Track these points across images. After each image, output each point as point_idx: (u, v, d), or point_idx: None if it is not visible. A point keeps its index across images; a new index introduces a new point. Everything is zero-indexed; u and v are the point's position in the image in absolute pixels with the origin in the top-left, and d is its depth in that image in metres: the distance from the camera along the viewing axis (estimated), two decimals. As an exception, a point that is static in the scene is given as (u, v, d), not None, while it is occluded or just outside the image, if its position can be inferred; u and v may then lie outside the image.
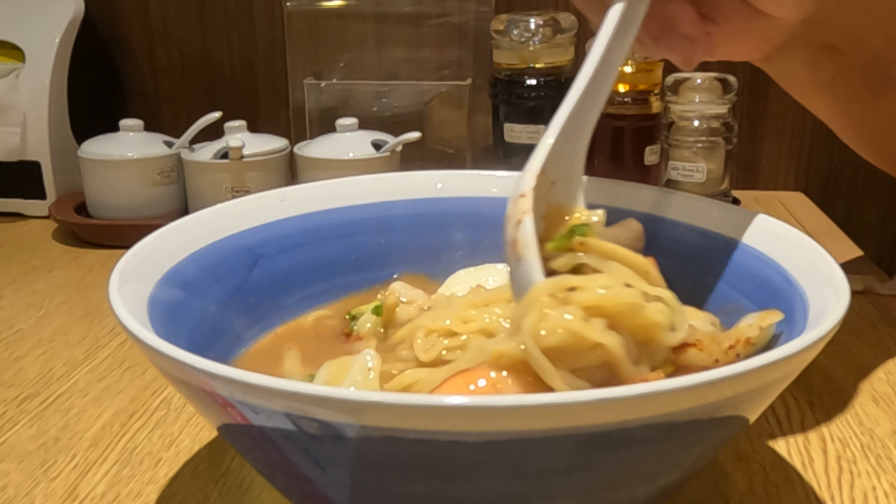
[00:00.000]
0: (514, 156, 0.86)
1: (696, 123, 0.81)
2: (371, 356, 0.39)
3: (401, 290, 0.47)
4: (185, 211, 0.85)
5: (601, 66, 0.41)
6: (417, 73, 0.97)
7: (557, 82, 0.84)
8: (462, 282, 0.49)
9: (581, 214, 0.41)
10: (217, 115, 0.85)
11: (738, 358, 0.38)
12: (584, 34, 0.85)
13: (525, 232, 0.37)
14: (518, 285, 0.37)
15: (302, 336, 0.47)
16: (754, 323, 0.38)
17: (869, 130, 0.63)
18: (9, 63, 0.91)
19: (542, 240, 0.39)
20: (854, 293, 0.61)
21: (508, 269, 0.38)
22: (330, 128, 0.85)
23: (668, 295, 0.36)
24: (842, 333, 0.46)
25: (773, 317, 0.38)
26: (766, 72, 0.58)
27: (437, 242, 0.52)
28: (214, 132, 0.85)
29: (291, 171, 0.85)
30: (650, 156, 0.81)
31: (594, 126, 0.42)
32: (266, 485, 0.43)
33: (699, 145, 0.81)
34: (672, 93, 0.81)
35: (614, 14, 0.41)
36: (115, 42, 1.06)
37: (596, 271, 0.38)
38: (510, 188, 0.39)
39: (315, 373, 0.40)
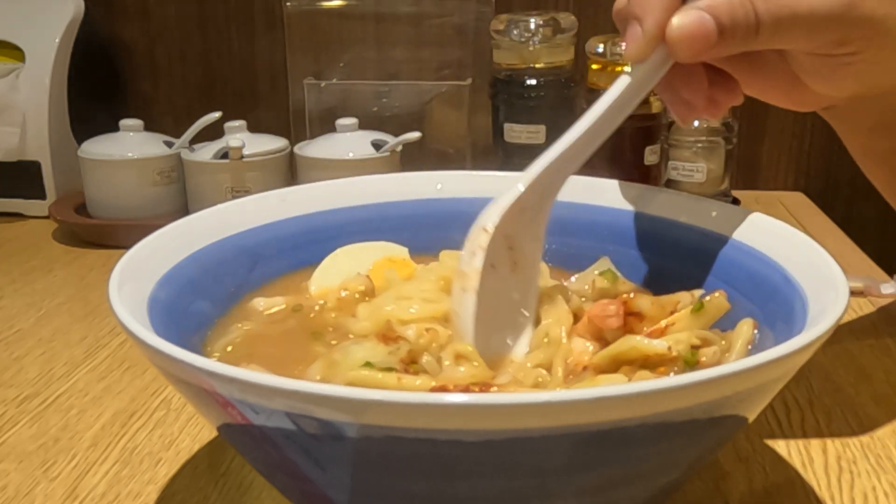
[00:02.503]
0: (514, 156, 0.86)
1: (696, 123, 0.81)
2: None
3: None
4: (185, 211, 0.85)
5: (600, 123, 0.42)
6: (417, 73, 0.97)
7: (557, 82, 0.84)
8: (340, 263, 0.49)
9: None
10: (217, 115, 0.85)
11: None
12: (585, 34, 0.85)
13: (474, 267, 0.40)
14: (459, 310, 0.40)
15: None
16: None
17: None
18: (9, 63, 0.91)
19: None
20: (854, 293, 0.61)
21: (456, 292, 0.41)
22: (330, 128, 0.85)
23: None
24: (841, 333, 0.46)
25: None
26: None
27: (437, 243, 0.52)
28: (214, 132, 0.85)
29: (291, 171, 0.85)
30: (650, 156, 0.81)
31: (577, 169, 0.43)
32: (266, 485, 0.43)
33: (699, 145, 0.81)
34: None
35: (625, 80, 0.41)
36: (115, 42, 1.06)
37: None
38: (482, 215, 0.42)
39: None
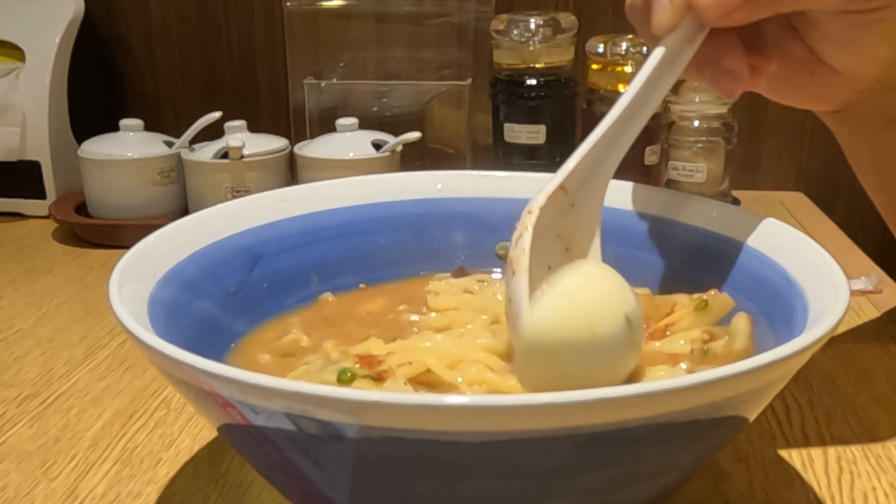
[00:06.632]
0: (514, 156, 0.86)
1: (696, 123, 0.81)
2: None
3: None
4: (185, 211, 0.85)
5: (638, 99, 0.41)
6: (417, 73, 0.97)
7: (557, 82, 0.84)
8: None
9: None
10: (217, 115, 0.85)
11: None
12: (585, 34, 0.85)
13: (521, 247, 0.38)
14: (512, 295, 0.38)
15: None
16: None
17: None
18: (9, 63, 0.91)
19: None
20: (854, 294, 0.61)
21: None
22: (330, 128, 0.85)
23: None
24: (842, 333, 0.46)
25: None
26: (835, 135, 0.51)
27: (437, 243, 0.52)
28: (214, 132, 0.85)
29: (291, 171, 0.85)
30: (650, 156, 0.81)
31: (623, 155, 0.42)
32: (266, 485, 0.43)
33: (699, 145, 0.81)
34: (672, 93, 0.81)
35: (659, 52, 0.40)
36: (115, 42, 1.06)
37: None
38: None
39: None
